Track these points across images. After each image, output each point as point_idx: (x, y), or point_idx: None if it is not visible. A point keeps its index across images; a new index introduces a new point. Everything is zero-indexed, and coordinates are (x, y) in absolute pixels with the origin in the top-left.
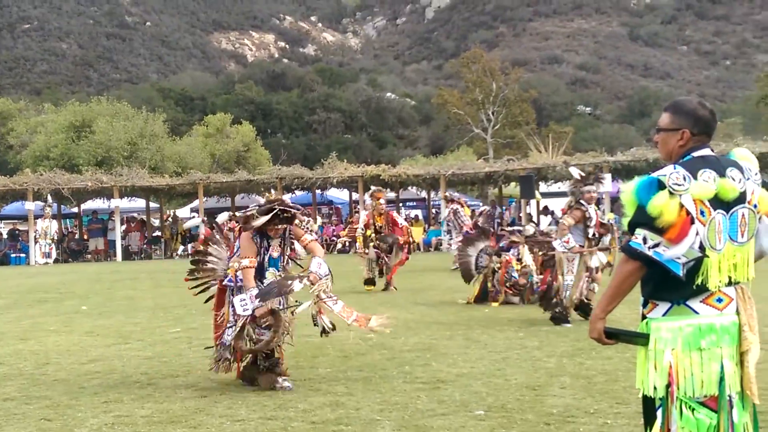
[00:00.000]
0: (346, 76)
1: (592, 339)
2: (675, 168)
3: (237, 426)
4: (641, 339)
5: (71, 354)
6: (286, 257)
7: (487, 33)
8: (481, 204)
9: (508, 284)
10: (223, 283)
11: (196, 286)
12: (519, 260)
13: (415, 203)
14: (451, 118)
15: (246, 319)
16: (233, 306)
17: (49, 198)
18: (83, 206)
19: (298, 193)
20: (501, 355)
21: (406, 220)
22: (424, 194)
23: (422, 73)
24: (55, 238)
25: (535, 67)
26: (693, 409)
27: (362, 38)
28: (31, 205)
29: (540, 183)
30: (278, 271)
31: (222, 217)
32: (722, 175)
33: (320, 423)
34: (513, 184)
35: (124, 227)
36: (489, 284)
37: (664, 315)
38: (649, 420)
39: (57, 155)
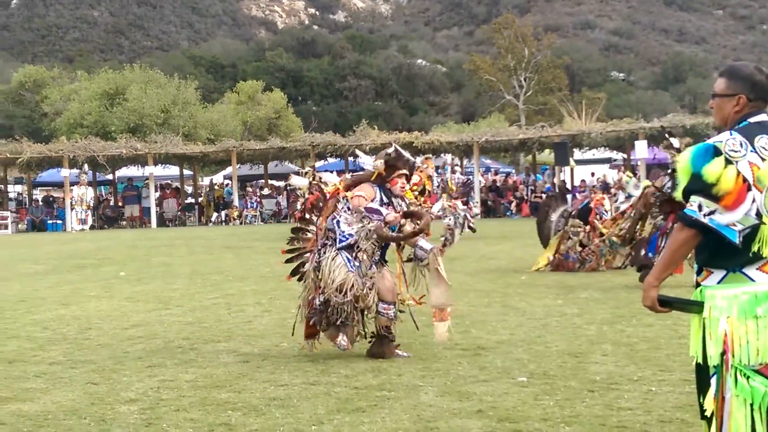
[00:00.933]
0: (376, 43)
1: (645, 307)
2: (731, 134)
3: (281, 391)
4: (695, 307)
5: (113, 319)
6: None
7: None
8: (513, 171)
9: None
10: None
11: (289, 259)
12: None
13: None
14: (483, 85)
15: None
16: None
17: (85, 166)
18: (117, 173)
19: (330, 160)
20: (540, 323)
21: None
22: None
23: (453, 39)
24: (91, 204)
25: (567, 32)
26: (748, 377)
27: (393, 4)
28: (66, 172)
29: (574, 150)
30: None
31: (329, 177)
32: None
33: (363, 389)
34: (547, 151)
35: (158, 194)
36: (562, 246)
37: (719, 283)
38: (702, 388)
39: (91, 123)
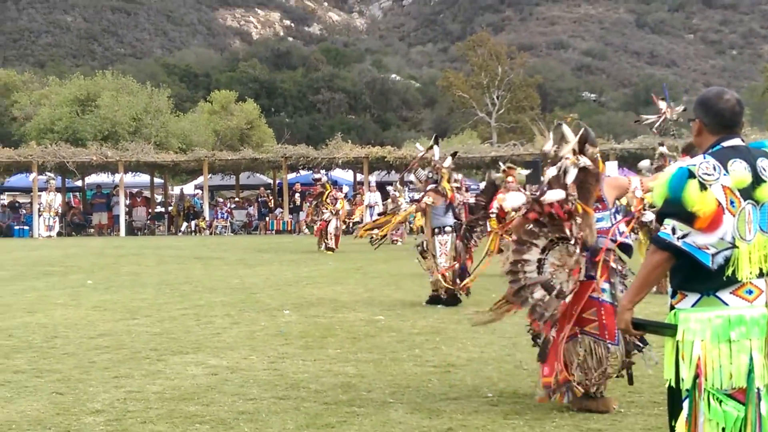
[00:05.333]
0: (351, 57)
1: (620, 329)
2: (705, 158)
3: (250, 405)
4: (669, 330)
5: (79, 328)
6: None
7: (493, 16)
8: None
9: None
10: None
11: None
12: None
13: None
14: (456, 101)
15: None
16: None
17: (50, 173)
18: (86, 180)
19: (303, 172)
20: (511, 341)
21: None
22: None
23: (427, 55)
24: (60, 211)
25: (540, 52)
26: (721, 401)
27: (368, 18)
28: (34, 177)
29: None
30: None
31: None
32: (753, 165)
33: (333, 404)
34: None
35: (128, 202)
36: None
37: (693, 306)
38: (674, 411)
39: (61, 128)
